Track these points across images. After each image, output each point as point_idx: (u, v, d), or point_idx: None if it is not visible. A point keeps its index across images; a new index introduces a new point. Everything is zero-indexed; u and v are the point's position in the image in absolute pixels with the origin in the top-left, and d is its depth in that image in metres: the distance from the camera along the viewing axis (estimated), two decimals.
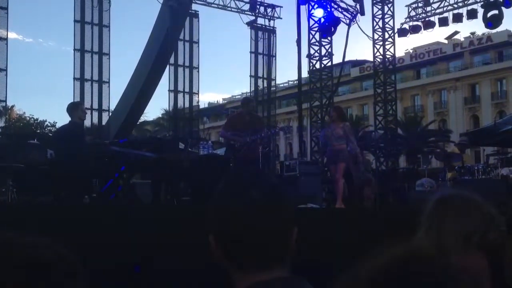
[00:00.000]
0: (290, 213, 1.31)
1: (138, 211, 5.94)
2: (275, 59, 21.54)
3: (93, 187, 9.26)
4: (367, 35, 20.49)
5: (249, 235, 1.25)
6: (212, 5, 20.24)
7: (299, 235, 1.31)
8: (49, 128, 44.18)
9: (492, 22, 18.54)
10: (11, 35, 66.32)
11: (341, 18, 18.36)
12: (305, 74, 20.45)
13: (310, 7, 17.84)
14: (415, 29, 20.86)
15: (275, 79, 21.73)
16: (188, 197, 9.93)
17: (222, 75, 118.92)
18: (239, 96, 71.08)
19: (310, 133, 19.22)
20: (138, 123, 28.90)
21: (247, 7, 20.75)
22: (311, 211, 7.89)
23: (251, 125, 9.28)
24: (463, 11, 19.87)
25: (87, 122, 15.69)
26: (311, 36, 18.86)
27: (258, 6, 20.90)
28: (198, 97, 20.10)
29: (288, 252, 1.29)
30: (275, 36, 21.47)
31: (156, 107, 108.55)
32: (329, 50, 18.99)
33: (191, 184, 10.01)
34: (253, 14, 20.95)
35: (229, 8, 20.52)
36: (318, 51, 19.00)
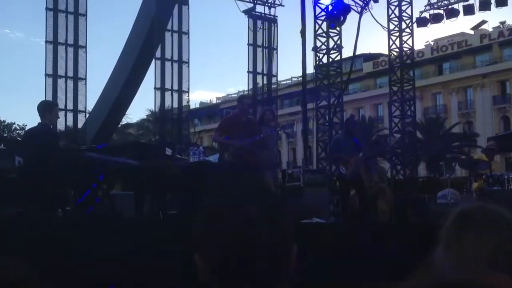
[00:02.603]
0: (288, 228, 1.32)
1: (118, 226, 5.95)
2: (277, 53, 21.56)
3: (68, 199, 9.26)
4: (381, 25, 20.57)
5: (241, 254, 1.25)
6: None
7: (303, 254, 1.32)
8: (17, 131, 44.19)
9: None
10: None
11: (351, 6, 18.42)
12: (310, 69, 20.49)
13: None
14: (436, 18, 20.91)
15: (276, 75, 21.75)
16: (176, 210, 9.93)
17: (215, 71, 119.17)
18: (235, 95, 71.12)
19: (317, 137, 19.25)
20: (119, 125, 28.92)
21: None
22: (316, 226, 7.91)
23: (248, 128, 9.29)
24: None
25: (60, 125, 15.67)
26: (317, 26, 18.90)
27: None
28: (188, 96, 20.11)
29: (287, 272, 1.30)
30: (277, 26, 21.49)
31: (140, 107, 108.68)
32: (338, 42, 19.03)
33: (179, 196, 10.01)
34: (251, 0, 20.98)
35: None
36: (325, 44, 19.04)
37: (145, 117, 52.73)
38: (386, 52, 21.97)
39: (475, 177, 13.41)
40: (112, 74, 19.24)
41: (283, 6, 21.62)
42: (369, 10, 18.96)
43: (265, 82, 21.39)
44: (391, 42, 20.83)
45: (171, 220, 8.84)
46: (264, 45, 21.31)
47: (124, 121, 39.74)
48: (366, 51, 57.40)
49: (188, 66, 19.75)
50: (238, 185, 1.35)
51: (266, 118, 10.08)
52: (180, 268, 4.46)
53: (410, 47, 20.85)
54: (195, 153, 10.17)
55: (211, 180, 9.00)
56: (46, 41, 16.93)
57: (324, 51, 19.14)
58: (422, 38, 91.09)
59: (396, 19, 20.67)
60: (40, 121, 8.33)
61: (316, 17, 18.60)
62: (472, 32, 50.25)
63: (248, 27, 21.20)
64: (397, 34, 20.68)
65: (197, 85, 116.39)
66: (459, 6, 20.69)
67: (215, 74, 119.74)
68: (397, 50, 20.83)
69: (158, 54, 19.01)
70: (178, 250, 4.24)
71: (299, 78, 54.55)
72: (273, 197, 1.34)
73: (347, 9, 17.78)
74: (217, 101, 73.76)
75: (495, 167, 14.17)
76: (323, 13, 18.35)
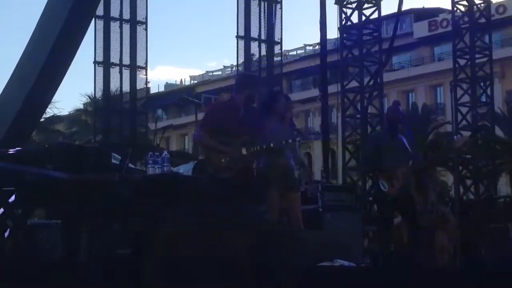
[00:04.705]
0: (286, 276, 1.33)
1: (38, 274, 5.95)
2: (281, 7, 21.58)
3: None
4: None
5: None
6: None
7: None
8: None
9: None
10: None
11: None
12: (333, 33, 20.48)
13: None
14: None
15: (281, 43, 21.76)
16: (127, 249, 9.94)
17: (188, 37, 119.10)
18: (219, 73, 71.15)
19: (343, 136, 19.28)
20: (41, 119, 28.91)
21: None
22: (341, 272, 7.92)
23: (248, 124, 9.27)
24: None
25: None
26: None
27: None
28: (146, 74, 20.11)
29: None
30: None
31: (74, 92, 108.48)
32: None
33: (132, 228, 10.02)
34: None
35: None
36: None
37: (81, 106, 52.70)
38: (449, 7, 22.00)
39: None
40: (30, 43, 19.24)
41: None
42: None
43: (264, 52, 21.40)
44: None
45: (120, 263, 8.85)
46: None
47: (49, 112, 39.66)
48: (418, 5, 57.50)
49: (146, 29, 19.76)
50: (220, 215, 1.36)
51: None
52: None
53: None
54: (156, 162, 10.12)
55: (181, 204, 9.01)
56: None
57: (354, 5, 19.18)
58: None
59: None
60: None
61: None
62: None
63: None
64: None
65: (161, 58, 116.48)
66: None
67: (188, 41, 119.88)
68: (465, 3, 20.88)
69: (100, 11, 19.02)
70: None
71: (316, 47, 54.38)
72: (264, 232, 1.35)
73: None
74: (192, 81, 73.79)
75: None
76: None
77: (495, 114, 22.72)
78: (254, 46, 21.18)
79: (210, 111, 10.15)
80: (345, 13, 19.26)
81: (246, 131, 9.16)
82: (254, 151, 9.10)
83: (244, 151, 9.07)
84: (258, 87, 9.96)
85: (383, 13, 19.67)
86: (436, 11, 55.68)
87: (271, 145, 9.36)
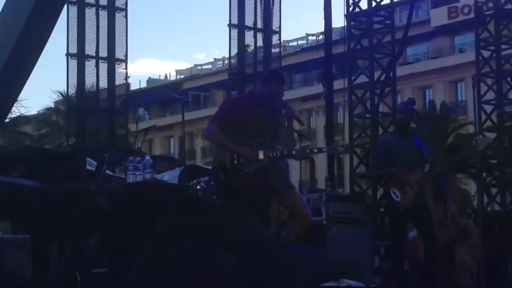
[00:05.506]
0: None
1: None
2: None
3: None
4: None
5: None
6: None
7: None
8: None
9: None
10: None
11: None
12: (339, 21, 20.49)
13: None
14: None
15: (279, 32, 21.78)
16: (105, 267, 9.94)
17: (173, 25, 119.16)
18: (209, 67, 71.19)
19: (350, 138, 19.29)
20: (6, 120, 28.92)
21: None
22: None
23: (268, 125, 9.23)
24: None
25: None
26: None
27: None
28: (126, 68, 20.11)
29: None
30: None
31: (44, 88, 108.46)
32: None
33: (110, 242, 10.02)
34: None
35: None
36: None
37: (51, 105, 52.73)
38: None
39: None
40: None
41: None
42: None
43: (260, 43, 21.41)
44: None
45: (96, 284, 8.86)
46: None
47: (15, 112, 39.67)
48: None
49: (126, 16, 19.76)
50: (212, 228, 1.36)
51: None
52: None
53: None
54: (137, 168, 10.09)
55: (167, 216, 9.00)
56: None
57: None
58: None
59: None
60: None
61: None
62: None
63: None
64: None
65: (142, 50, 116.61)
66: None
67: (173, 30, 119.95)
68: None
69: None
70: None
71: (320, 37, 54.41)
72: (264, 249, 1.36)
73: None
74: (178, 76, 73.82)
75: None
76: None
77: None
78: (249, 36, 21.18)
79: (227, 104, 10.11)
80: None
81: (266, 131, 9.11)
82: (272, 157, 9.04)
83: (261, 155, 8.99)
84: (283, 86, 9.87)
85: None
86: None
87: (293, 152, 9.38)
